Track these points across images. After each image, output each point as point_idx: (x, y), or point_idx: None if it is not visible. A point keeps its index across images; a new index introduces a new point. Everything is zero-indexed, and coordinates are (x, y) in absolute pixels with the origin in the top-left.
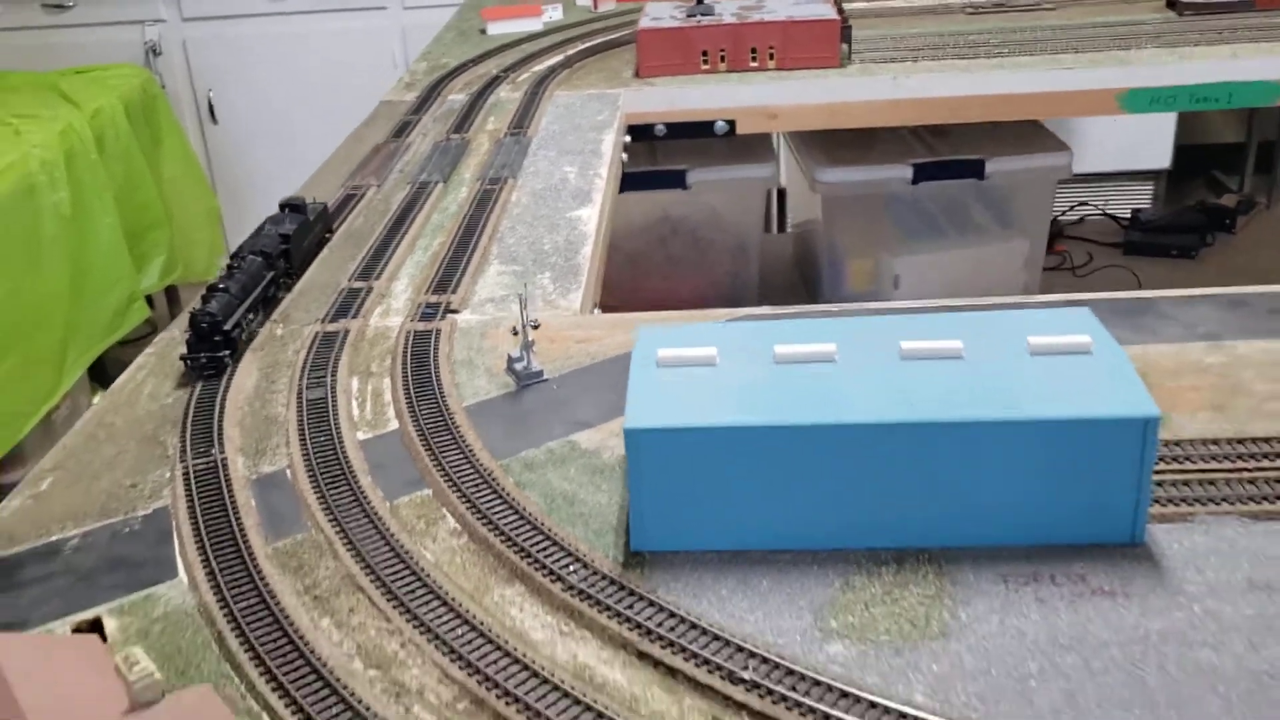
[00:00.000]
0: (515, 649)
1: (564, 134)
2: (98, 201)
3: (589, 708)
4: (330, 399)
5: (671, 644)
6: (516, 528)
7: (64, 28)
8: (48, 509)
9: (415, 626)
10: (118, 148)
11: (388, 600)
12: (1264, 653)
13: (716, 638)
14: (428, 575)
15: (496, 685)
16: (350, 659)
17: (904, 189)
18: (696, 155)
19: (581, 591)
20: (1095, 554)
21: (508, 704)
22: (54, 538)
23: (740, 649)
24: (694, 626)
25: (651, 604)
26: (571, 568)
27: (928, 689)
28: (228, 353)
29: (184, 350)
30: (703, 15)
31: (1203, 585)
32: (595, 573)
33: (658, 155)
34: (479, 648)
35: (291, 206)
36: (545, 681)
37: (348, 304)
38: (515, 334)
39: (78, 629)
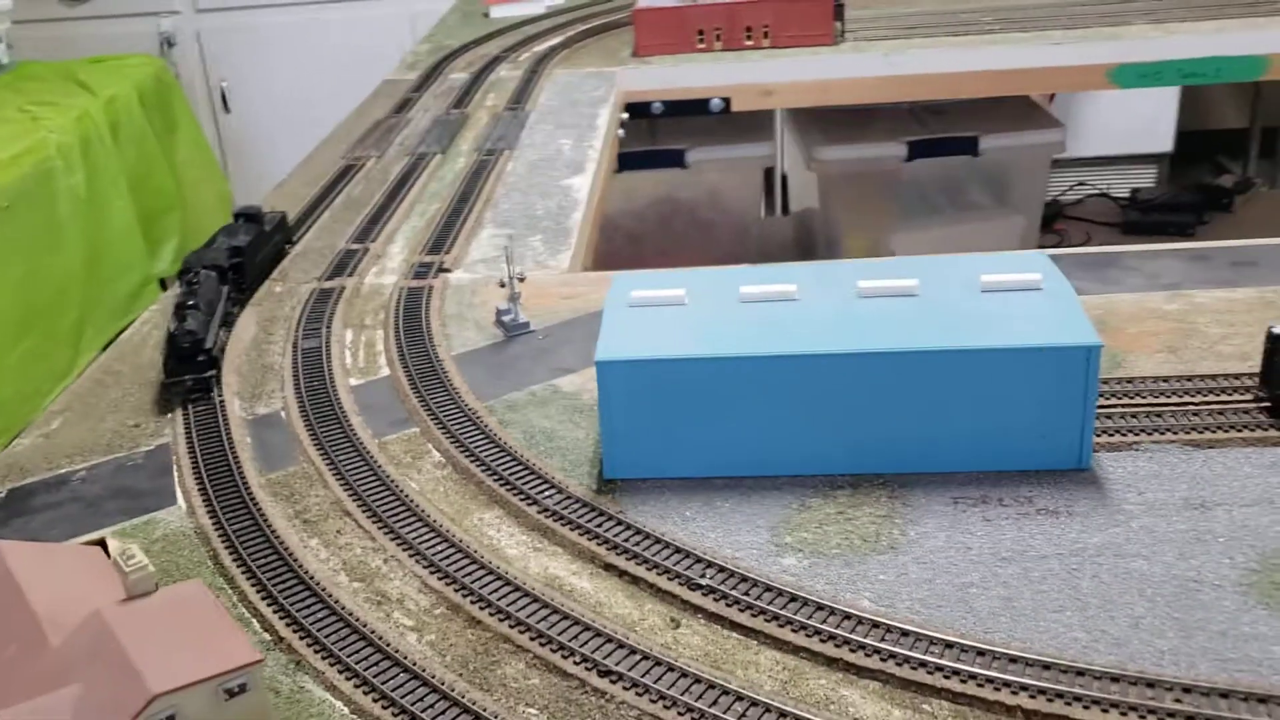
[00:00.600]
0: (490, 562)
1: (561, 109)
2: (112, 186)
3: (556, 610)
4: (324, 349)
5: (635, 556)
6: (497, 459)
7: (82, 20)
8: (57, 445)
9: (398, 544)
10: (132, 134)
11: (373, 522)
12: (1191, 561)
13: (678, 550)
14: (412, 501)
15: (471, 592)
16: (336, 573)
17: (900, 166)
18: (695, 135)
19: (554, 513)
20: (1043, 479)
21: (481, 608)
22: (62, 470)
23: (699, 560)
24: (657, 541)
25: (619, 523)
26: (548, 493)
27: (875, 596)
28: (213, 373)
29: (162, 375)
30: None
31: (1141, 505)
32: (569, 497)
33: (657, 135)
34: (456, 561)
35: (247, 216)
36: (517, 589)
37: (344, 264)
38: (502, 286)
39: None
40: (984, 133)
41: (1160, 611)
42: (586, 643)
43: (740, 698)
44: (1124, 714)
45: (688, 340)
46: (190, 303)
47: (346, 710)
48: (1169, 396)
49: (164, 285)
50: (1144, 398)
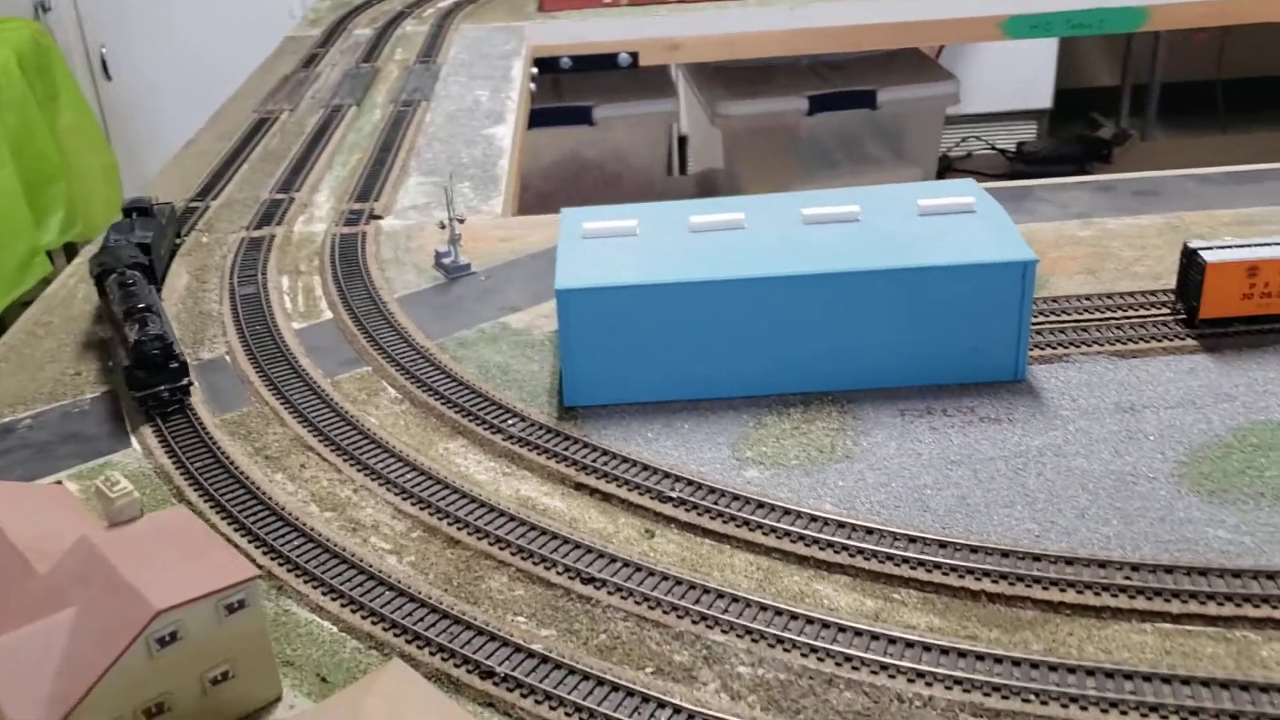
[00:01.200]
0: (462, 486)
1: (473, 62)
2: None
3: (533, 527)
4: (262, 294)
5: (605, 475)
6: (455, 392)
7: None
8: None
9: (366, 474)
10: (11, 100)
11: (337, 455)
12: (1126, 458)
13: (645, 468)
14: (374, 434)
15: (447, 515)
16: (306, 504)
17: (801, 120)
18: (601, 92)
19: (520, 439)
20: (983, 390)
21: (459, 529)
22: (6, 419)
23: (667, 475)
24: (625, 460)
25: (585, 445)
26: (511, 421)
27: (835, 500)
28: (188, 380)
29: (133, 389)
30: None
31: (1076, 410)
32: (532, 424)
33: (563, 92)
34: (428, 487)
35: (139, 210)
36: (492, 509)
37: (271, 213)
38: (442, 228)
39: None
40: (882, 86)
41: (1103, 502)
42: (566, 555)
43: (721, 595)
44: (1080, 592)
45: (643, 268)
46: (141, 305)
47: (335, 629)
48: (1093, 313)
49: (52, 260)
50: (1070, 315)
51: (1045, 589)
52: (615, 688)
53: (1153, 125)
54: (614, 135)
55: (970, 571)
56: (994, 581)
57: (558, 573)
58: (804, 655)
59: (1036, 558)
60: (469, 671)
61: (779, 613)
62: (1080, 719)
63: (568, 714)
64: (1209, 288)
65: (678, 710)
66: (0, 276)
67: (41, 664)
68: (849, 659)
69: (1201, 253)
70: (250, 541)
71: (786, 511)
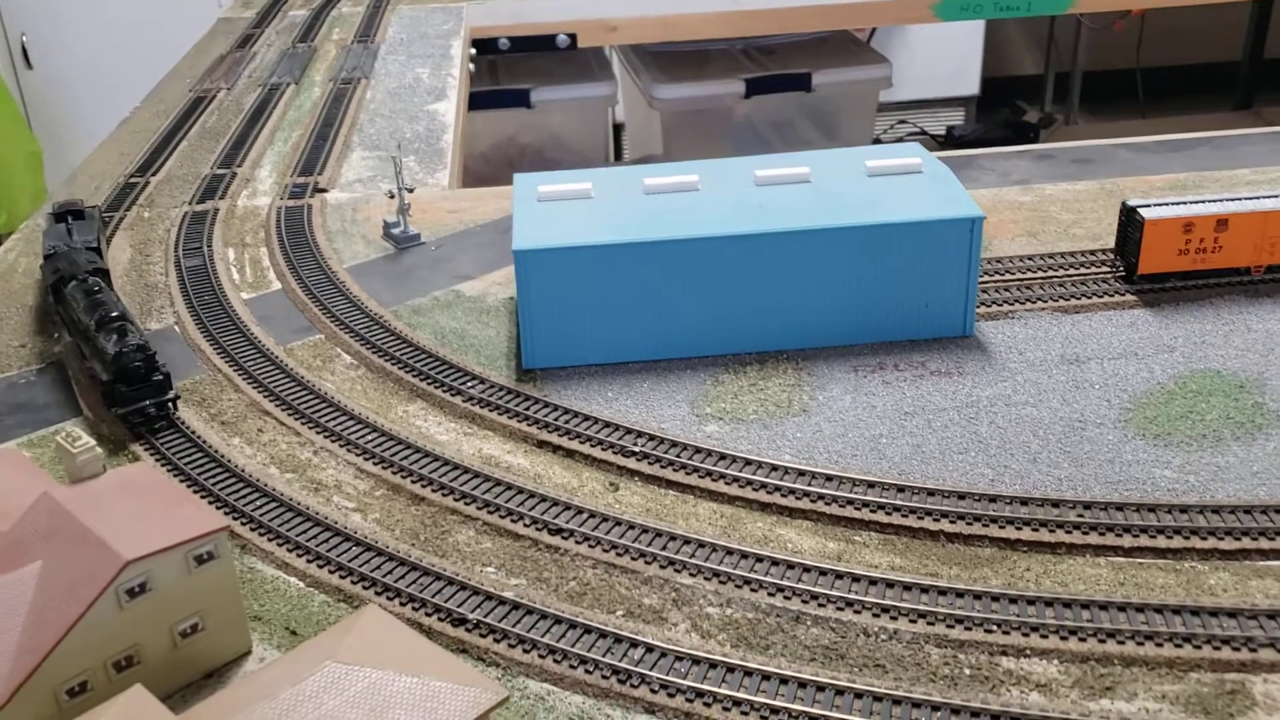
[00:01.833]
0: (424, 446)
1: (412, 41)
2: None
3: (498, 482)
4: (209, 266)
5: (567, 433)
6: (412, 357)
7: None
8: None
9: (325, 437)
10: None
11: (295, 419)
12: (1074, 406)
13: (607, 425)
14: (331, 398)
15: (410, 473)
16: (265, 466)
17: (738, 103)
18: (539, 75)
19: (480, 400)
20: (932, 346)
21: (423, 486)
22: None
23: (629, 431)
24: (586, 419)
25: (546, 405)
26: (470, 383)
27: (794, 451)
28: (175, 394)
29: (115, 405)
30: None
31: (1023, 362)
32: (492, 386)
33: (500, 75)
34: (389, 448)
35: (72, 213)
36: (455, 467)
37: (213, 187)
38: (391, 197)
39: None
40: (816, 69)
41: (1053, 448)
42: (533, 508)
43: (687, 541)
44: (1035, 530)
45: (600, 229)
46: (114, 315)
47: (302, 584)
48: (1036, 272)
49: None
50: (1014, 274)
51: (1002, 528)
52: (588, 630)
53: (1075, 111)
54: (552, 119)
55: (929, 513)
56: (952, 522)
57: (525, 525)
58: (770, 595)
59: (992, 499)
60: (441, 620)
61: (744, 556)
62: (1041, 646)
63: (541, 656)
64: (1147, 244)
65: (650, 649)
66: None
67: (8, 618)
68: (814, 597)
69: (1140, 210)
70: (211, 502)
71: (748, 462)
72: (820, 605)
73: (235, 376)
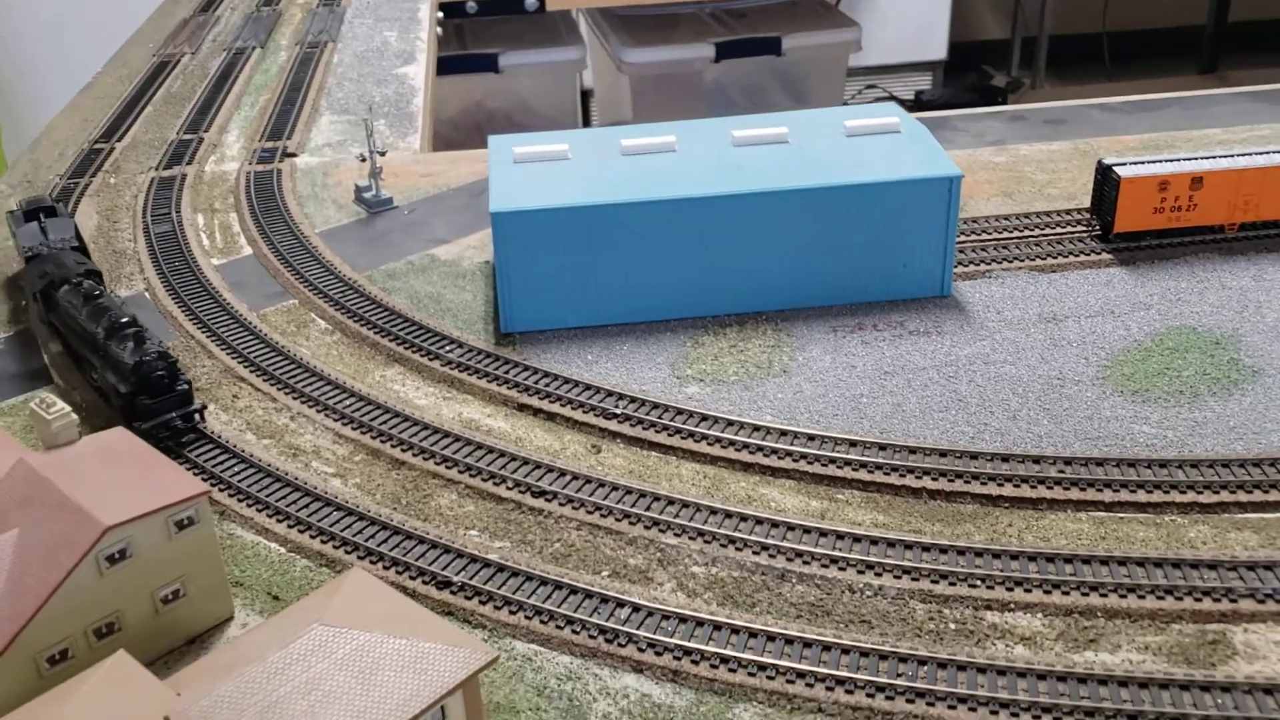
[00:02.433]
0: (404, 411)
1: (379, 4)
2: None
3: (479, 446)
4: (178, 232)
5: (548, 396)
6: (389, 321)
7: None
8: None
9: (302, 402)
10: None
11: (271, 385)
12: (1052, 363)
13: (588, 387)
14: (307, 364)
15: (390, 438)
16: (242, 433)
17: (708, 67)
18: (507, 39)
19: (459, 364)
20: (911, 306)
21: (403, 450)
22: None
23: (610, 394)
24: (567, 381)
25: (526, 369)
26: (448, 347)
27: (776, 411)
28: (201, 404)
29: (137, 419)
30: None
31: (1001, 321)
32: (470, 350)
33: (468, 39)
34: (368, 412)
35: (44, 210)
36: (435, 431)
37: (180, 153)
38: (362, 160)
39: None
40: (786, 33)
41: (1033, 405)
42: (515, 471)
43: (671, 501)
44: (1016, 486)
45: (577, 190)
46: (125, 321)
47: (283, 550)
48: (1012, 232)
49: None
50: (991, 234)
51: (983, 485)
52: (574, 590)
53: (1042, 75)
54: (520, 84)
55: (910, 471)
56: (934, 479)
57: (507, 488)
58: (755, 553)
59: (974, 456)
60: (425, 583)
61: (729, 515)
62: (1025, 600)
63: (527, 617)
64: (1123, 202)
65: (636, 609)
66: None
67: None
68: (799, 555)
69: (1116, 168)
70: (188, 468)
71: (730, 423)
72: (805, 563)
73: (209, 343)
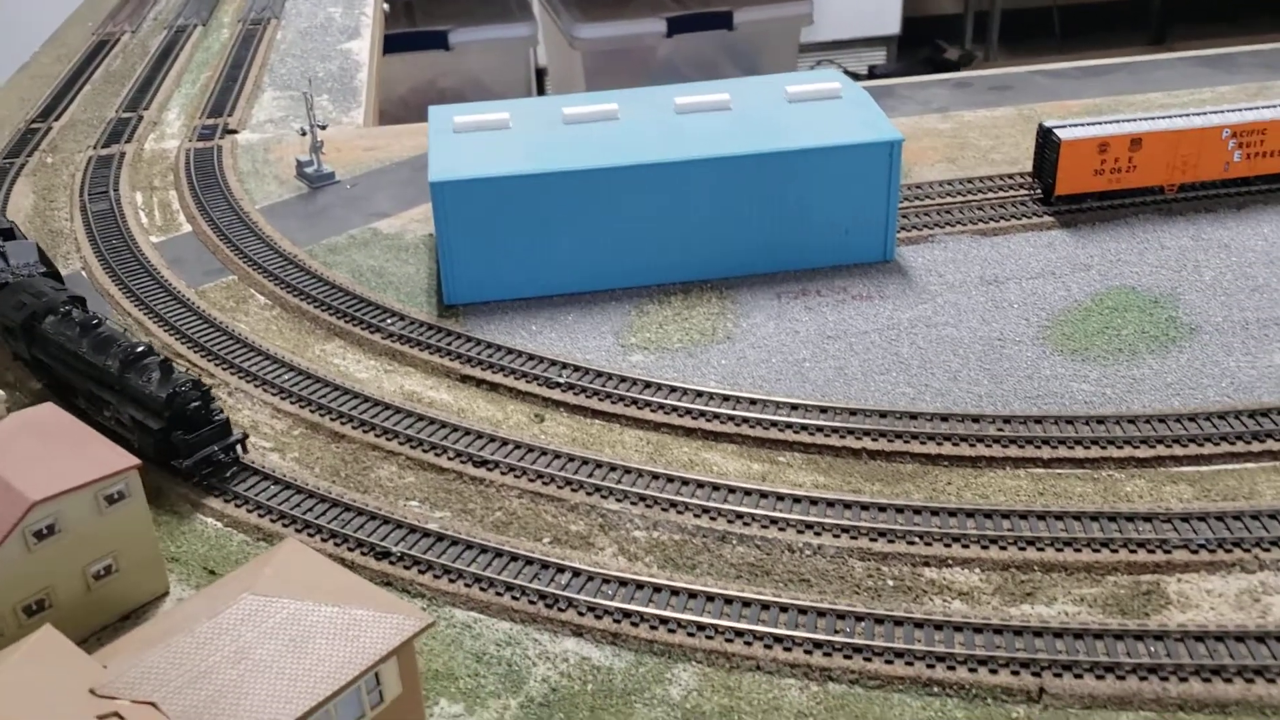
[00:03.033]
0: (343, 384)
1: None
2: None
3: (420, 417)
4: (116, 210)
5: (491, 366)
6: (329, 296)
7: None
8: None
9: (240, 377)
10: None
11: (208, 360)
12: (993, 325)
13: (531, 358)
14: (246, 339)
15: (329, 411)
16: None
17: (660, 42)
18: (457, 16)
19: (401, 337)
20: (854, 271)
21: (343, 424)
22: None
23: (554, 363)
24: (510, 352)
25: (469, 340)
26: (390, 320)
27: (719, 377)
28: (242, 434)
29: (174, 457)
30: None
31: (943, 285)
32: (412, 323)
33: (417, 16)
34: (307, 386)
35: (3, 233)
36: (376, 404)
37: (119, 131)
38: (303, 134)
39: None
40: (737, 7)
41: (973, 365)
42: (456, 441)
43: (614, 468)
44: (955, 445)
45: (519, 159)
46: (141, 349)
47: (220, 524)
48: (955, 197)
49: None
50: (934, 199)
51: (923, 444)
52: (514, 558)
53: (995, 49)
54: (471, 61)
55: (850, 432)
56: (874, 440)
57: (448, 458)
58: (696, 516)
59: (913, 416)
60: (364, 554)
61: (670, 480)
62: (963, 556)
63: (467, 585)
64: (1064, 165)
65: (577, 574)
66: None
67: None
68: (739, 516)
69: (1056, 131)
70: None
71: (673, 389)
72: (745, 524)
73: (145, 320)
